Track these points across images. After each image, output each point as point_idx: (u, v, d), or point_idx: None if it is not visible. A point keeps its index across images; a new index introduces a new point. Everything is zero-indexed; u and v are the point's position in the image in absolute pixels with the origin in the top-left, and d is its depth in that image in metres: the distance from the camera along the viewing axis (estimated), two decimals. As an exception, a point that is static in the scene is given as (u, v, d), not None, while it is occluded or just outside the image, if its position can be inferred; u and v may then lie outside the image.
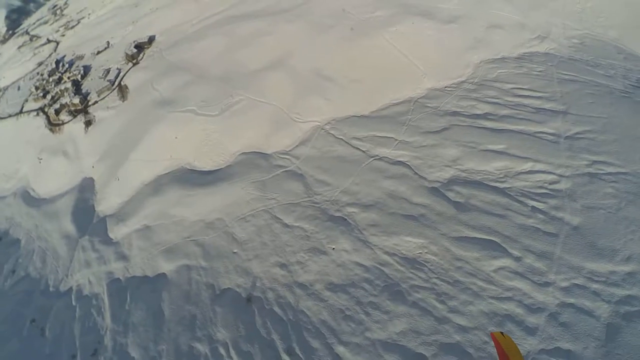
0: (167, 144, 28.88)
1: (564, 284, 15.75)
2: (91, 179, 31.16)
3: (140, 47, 41.49)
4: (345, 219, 20.32)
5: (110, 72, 41.87)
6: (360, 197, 21.11)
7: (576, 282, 15.70)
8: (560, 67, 24.62)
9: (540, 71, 24.45)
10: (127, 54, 41.01)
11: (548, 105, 22.32)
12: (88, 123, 37.23)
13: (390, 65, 26.63)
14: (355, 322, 16.79)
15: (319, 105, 26.61)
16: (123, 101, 35.24)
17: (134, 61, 39.91)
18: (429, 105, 24.24)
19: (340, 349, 16.25)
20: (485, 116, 22.68)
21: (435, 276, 17.18)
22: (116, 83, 38.45)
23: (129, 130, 31.79)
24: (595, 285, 15.46)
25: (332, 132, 25.04)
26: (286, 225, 21.13)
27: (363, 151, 23.17)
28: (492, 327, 15.07)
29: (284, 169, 24.09)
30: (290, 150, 25.04)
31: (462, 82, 25.06)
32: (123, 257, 24.45)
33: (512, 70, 24.84)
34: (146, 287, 22.28)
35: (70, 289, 24.86)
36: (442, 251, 17.88)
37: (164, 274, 22.16)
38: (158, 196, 26.53)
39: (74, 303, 23.89)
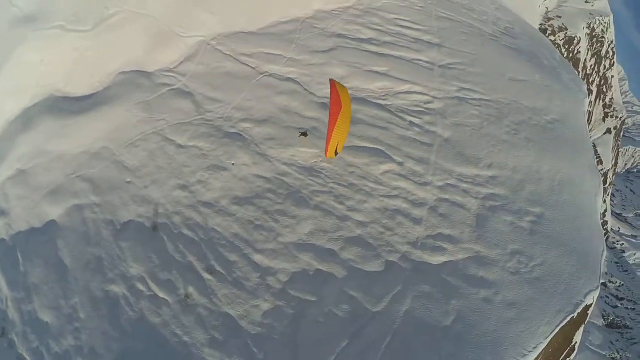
0: (33, 69, 23.16)
1: (440, 183, 17.50)
2: None
3: None
4: (241, 135, 19.27)
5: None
6: (254, 113, 20.04)
7: (449, 182, 17.59)
8: (439, 5, 25.61)
9: (421, 7, 25.12)
10: None
11: (426, 38, 23.38)
12: None
13: None
14: (267, 230, 16.58)
15: (204, 19, 23.59)
16: None
17: None
18: (316, 26, 23.27)
19: (257, 257, 16.11)
20: (369, 41, 22.81)
21: (332, 181, 17.61)
22: None
23: None
24: (464, 185, 17.53)
25: (219, 48, 22.73)
26: (180, 146, 19.22)
27: (253, 68, 21.67)
28: (386, 220, 16.42)
29: (170, 87, 21.43)
30: (175, 68, 22.26)
31: (349, 7, 24.45)
32: (2, 213, 20.01)
33: (395, 2, 24.90)
34: (36, 239, 18.76)
35: (-52, 268, 19.27)
36: (335, 159, 18.12)
37: (53, 220, 18.78)
38: (29, 132, 21.78)
39: (-43, 284, 18.73)
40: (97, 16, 23.97)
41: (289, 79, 21.16)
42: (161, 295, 16.49)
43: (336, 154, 15.19)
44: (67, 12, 24.18)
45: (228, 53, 22.58)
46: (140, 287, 16.77)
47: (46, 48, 23.61)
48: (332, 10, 24.64)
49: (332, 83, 14.85)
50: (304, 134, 18.65)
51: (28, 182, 20.53)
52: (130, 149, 19.82)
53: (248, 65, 21.91)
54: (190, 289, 16.28)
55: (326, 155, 15.15)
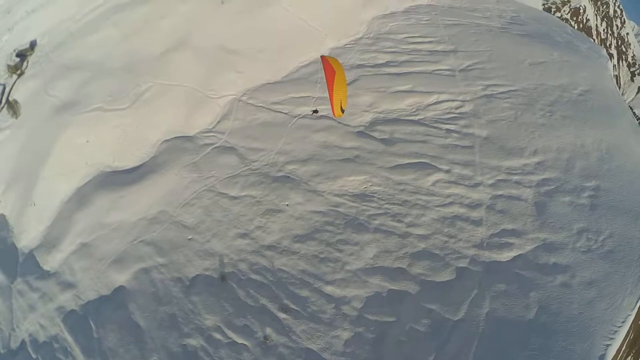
0: (80, 150, 25.18)
1: (490, 181, 18.39)
2: (1, 216, 25.83)
3: (22, 55, 35.30)
4: (289, 176, 20.53)
5: (-7, 90, 35.07)
6: (296, 154, 21.42)
7: (499, 178, 18.49)
8: (443, 14, 27.85)
9: (427, 20, 27.33)
10: (9, 66, 33.45)
11: (439, 47, 25.26)
12: (-20, 154, 30.80)
13: (292, 31, 26.34)
14: (333, 261, 17.43)
15: (231, 78, 25.66)
16: (16, 118, 29.46)
17: (19, 72, 33.63)
18: None
19: (328, 289, 16.82)
20: (387, 64, 24.68)
21: (385, 202, 18.57)
22: (3, 100, 32.27)
23: (32, 147, 26.94)
24: (515, 177, 18.42)
25: (250, 101, 24.54)
26: (234, 198, 20.50)
27: (285, 113, 23.34)
28: (446, 228, 17.13)
29: (213, 146, 23.05)
30: (213, 127, 24.00)
31: (360, 38, 26.70)
32: (69, 286, 21.09)
33: (401, 23, 27.20)
34: (107, 306, 19.69)
35: (23, 342, 20.73)
36: (383, 181, 19.33)
37: (121, 286, 19.80)
38: (85, 209, 23.30)
39: (33, 356, 20.01)
40: (131, 94, 26.61)
41: (322, 117, 22.82)
42: (239, 341, 17.09)
43: (342, 111, 16.24)
44: (103, 94, 26.81)
45: (260, 105, 24.53)
46: (218, 336, 17.43)
47: (89, 129, 26.08)
48: (345, 45, 26.68)
49: (323, 58, 16.41)
50: (315, 111, 20.92)
51: (92, 254, 21.86)
52: (186, 208, 21.25)
53: (281, 112, 23.75)
54: (268, 330, 16.88)
55: (334, 115, 16.32)
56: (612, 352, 13.80)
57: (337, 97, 15.80)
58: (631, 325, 14.57)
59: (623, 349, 15.34)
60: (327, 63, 16.04)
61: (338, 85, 15.80)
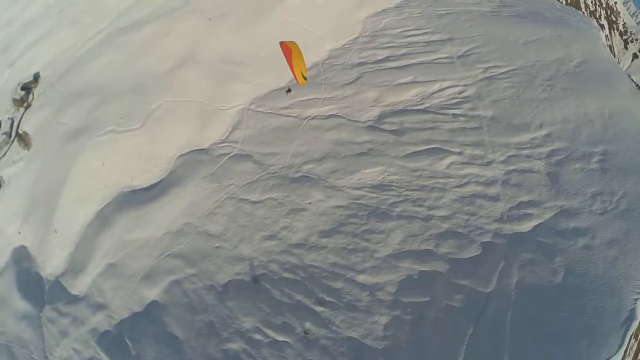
0: (96, 174, 25.56)
1: (502, 158, 19.37)
2: (23, 247, 25.96)
3: (27, 88, 35.57)
4: (307, 176, 21.24)
5: (2, 124, 33.81)
6: (311, 154, 22.16)
7: (510, 154, 19.48)
8: (434, 5, 29.02)
9: (419, 13, 28.45)
10: (14, 100, 34.13)
11: (435, 37, 26.36)
12: (-4, 188, 30.61)
13: (291, 37, 27.14)
14: (361, 251, 18.14)
15: (238, 89, 26.35)
16: (28, 149, 29.84)
17: (25, 104, 34.18)
18: (335, 63, 26.23)
19: (361, 277, 17.48)
20: (387, 59, 25.70)
21: (404, 189, 19.39)
22: (13, 134, 32.48)
23: (47, 176, 27.22)
24: (525, 151, 19.43)
25: (259, 109, 25.27)
26: (255, 202, 21.11)
27: (295, 117, 24.09)
28: (466, 207, 17.93)
29: (228, 156, 23.65)
30: (226, 138, 24.61)
31: (357, 37, 27.73)
32: (100, 307, 21.34)
33: (395, 18, 28.30)
34: (142, 322, 19.90)
35: (58, 369, 20.99)
36: (399, 169, 20.15)
37: (154, 300, 20.10)
38: (108, 230, 23.64)
39: (69, 381, 20.20)
40: (142, 113, 27.14)
41: (331, 116, 23.65)
42: (280, 338, 17.57)
43: (305, 78, 17.95)
44: (114, 116, 27.42)
45: (269, 111, 25.21)
46: (258, 337, 17.90)
47: (104, 152, 26.56)
48: (344, 45, 27.66)
49: (281, 43, 18.17)
50: (289, 90, 22.13)
51: (120, 273, 22.21)
52: (210, 217, 21.78)
53: (290, 116, 24.44)
54: (307, 325, 17.43)
55: (298, 82, 18.00)
56: (641, 305, 14.61)
57: (297, 67, 17.53)
58: (656, 280, 15.31)
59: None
60: (285, 45, 17.91)
61: (296, 57, 17.56)
